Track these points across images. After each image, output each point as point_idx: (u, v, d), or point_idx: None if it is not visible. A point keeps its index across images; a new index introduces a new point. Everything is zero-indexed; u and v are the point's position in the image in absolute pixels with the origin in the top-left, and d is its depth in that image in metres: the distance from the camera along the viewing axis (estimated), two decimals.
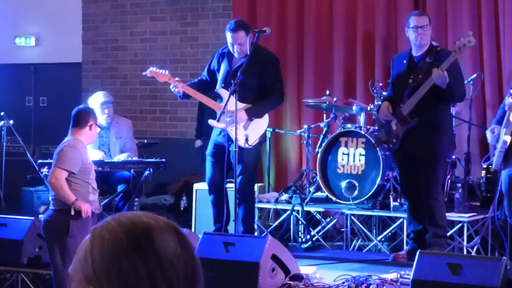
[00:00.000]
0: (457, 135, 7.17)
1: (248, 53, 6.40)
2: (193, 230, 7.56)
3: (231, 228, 6.77)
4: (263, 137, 6.83)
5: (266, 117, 6.76)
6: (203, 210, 7.57)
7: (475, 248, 6.58)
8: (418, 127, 6.15)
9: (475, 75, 7.31)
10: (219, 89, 6.74)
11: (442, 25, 7.82)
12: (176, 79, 6.87)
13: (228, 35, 6.63)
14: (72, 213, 5.47)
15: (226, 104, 6.35)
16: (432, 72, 5.91)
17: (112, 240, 1.50)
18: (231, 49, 6.67)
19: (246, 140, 6.47)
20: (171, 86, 6.84)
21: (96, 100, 7.62)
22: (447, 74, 5.86)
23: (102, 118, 7.46)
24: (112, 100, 7.77)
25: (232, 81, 6.26)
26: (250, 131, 6.60)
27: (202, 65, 8.07)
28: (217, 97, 6.79)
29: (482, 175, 7.09)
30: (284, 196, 7.60)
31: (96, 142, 7.44)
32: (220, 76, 6.80)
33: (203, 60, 8.61)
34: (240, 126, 6.52)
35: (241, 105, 6.49)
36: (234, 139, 6.41)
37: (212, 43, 9.08)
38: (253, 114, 6.61)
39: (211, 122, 6.75)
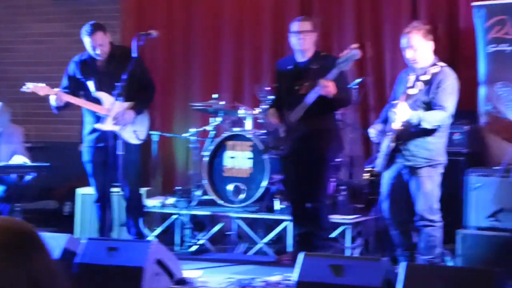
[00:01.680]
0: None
1: (133, 56, 6.35)
2: (76, 235, 7.39)
3: (115, 234, 6.70)
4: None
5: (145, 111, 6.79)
6: (87, 215, 7.44)
7: (358, 250, 6.70)
8: (306, 134, 6.14)
9: (359, 79, 7.45)
10: (97, 92, 6.65)
11: (327, 32, 7.93)
12: (56, 89, 6.70)
13: (87, 40, 6.56)
14: None
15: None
16: (318, 81, 5.94)
17: None
18: (92, 52, 6.60)
19: (136, 135, 6.44)
20: (52, 97, 6.68)
21: None
22: (334, 83, 5.91)
23: None
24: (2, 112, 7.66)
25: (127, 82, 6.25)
26: (137, 127, 6.60)
27: None
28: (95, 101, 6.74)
29: (365, 177, 7.23)
30: (171, 200, 7.54)
31: None
32: (91, 82, 6.69)
33: None
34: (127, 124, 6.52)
35: (125, 104, 6.47)
36: (123, 138, 6.45)
37: None
38: (140, 109, 6.62)
39: (98, 126, 6.64)
